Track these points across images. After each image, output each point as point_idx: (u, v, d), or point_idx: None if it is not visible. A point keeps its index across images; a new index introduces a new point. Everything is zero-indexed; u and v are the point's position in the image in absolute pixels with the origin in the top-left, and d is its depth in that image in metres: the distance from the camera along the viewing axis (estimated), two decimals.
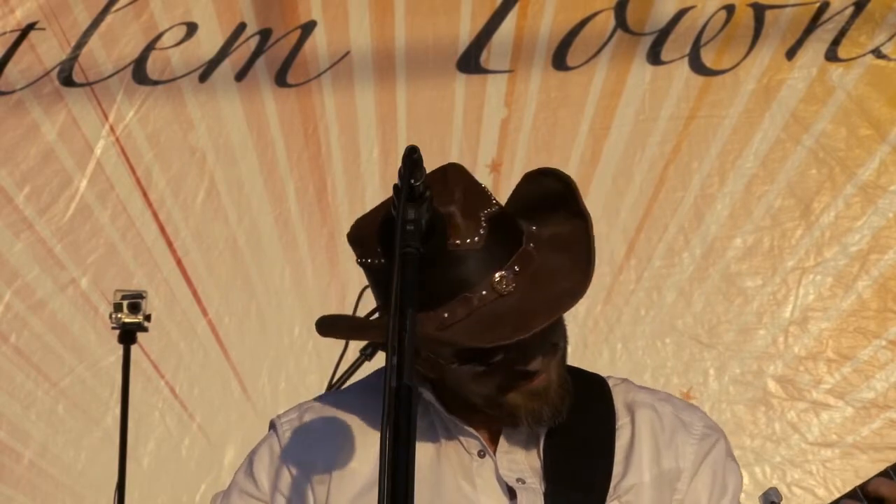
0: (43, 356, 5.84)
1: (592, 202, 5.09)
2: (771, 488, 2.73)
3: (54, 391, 5.84)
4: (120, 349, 5.10)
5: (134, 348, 5.11)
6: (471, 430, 2.77)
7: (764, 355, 5.70)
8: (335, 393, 3.31)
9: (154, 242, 5.83)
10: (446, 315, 2.61)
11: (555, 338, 2.72)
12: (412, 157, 2.41)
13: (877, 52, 5.75)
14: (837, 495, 2.70)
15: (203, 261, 5.90)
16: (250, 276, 5.92)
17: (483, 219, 2.61)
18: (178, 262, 5.86)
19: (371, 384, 2.92)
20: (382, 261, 2.64)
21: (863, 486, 2.62)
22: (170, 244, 5.86)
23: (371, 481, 2.80)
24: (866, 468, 4.41)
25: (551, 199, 2.72)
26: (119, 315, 5.11)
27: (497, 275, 2.58)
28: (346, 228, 4.76)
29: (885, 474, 2.61)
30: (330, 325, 2.77)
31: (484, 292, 2.56)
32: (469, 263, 2.59)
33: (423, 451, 2.71)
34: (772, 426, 5.54)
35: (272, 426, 2.91)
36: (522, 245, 2.61)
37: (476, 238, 2.55)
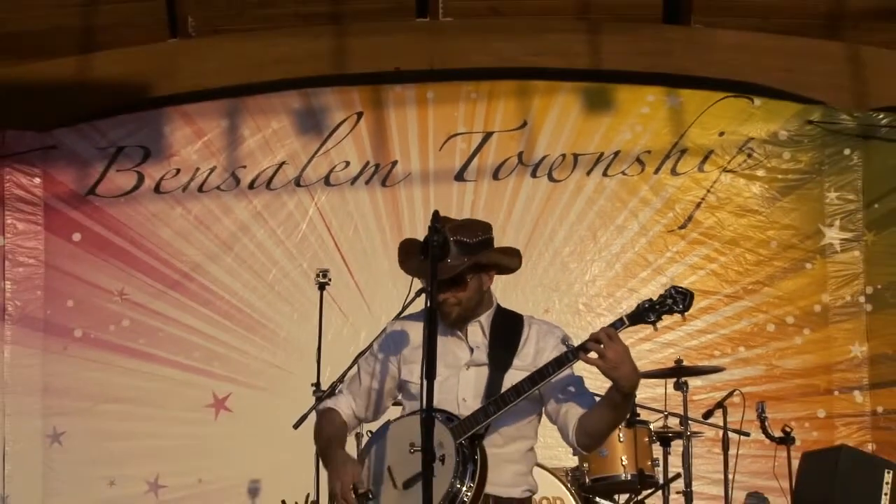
0: (288, 296, 8.23)
1: (509, 235, 7.80)
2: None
3: (294, 310, 8.18)
4: (318, 293, 7.13)
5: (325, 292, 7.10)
6: (459, 328, 4.11)
7: (578, 295, 8.25)
8: (409, 314, 4.23)
9: (332, 249, 8.27)
10: (417, 263, 3.92)
11: (458, 294, 3.98)
12: (436, 214, 3.83)
13: (623, 173, 8.28)
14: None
15: (353, 257, 8.25)
16: (372, 263, 8.13)
17: (454, 239, 3.91)
18: (343, 257, 8.24)
19: (423, 311, 3.99)
20: (405, 264, 4.00)
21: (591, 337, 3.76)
22: (339, 249, 8.27)
23: (417, 344, 4.11)
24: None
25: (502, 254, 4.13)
26: (318, 277, 7.13)
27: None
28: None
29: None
30: (402, 247, 4.06)
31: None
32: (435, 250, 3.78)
33: (440, 336, 3.86)
34: (583, 325, 8.01)
35: (387, 325, 4.29)
36: (464, 257, 3.89)
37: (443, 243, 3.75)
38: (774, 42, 8.26)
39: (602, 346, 3.82)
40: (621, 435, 6.57)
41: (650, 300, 3.97)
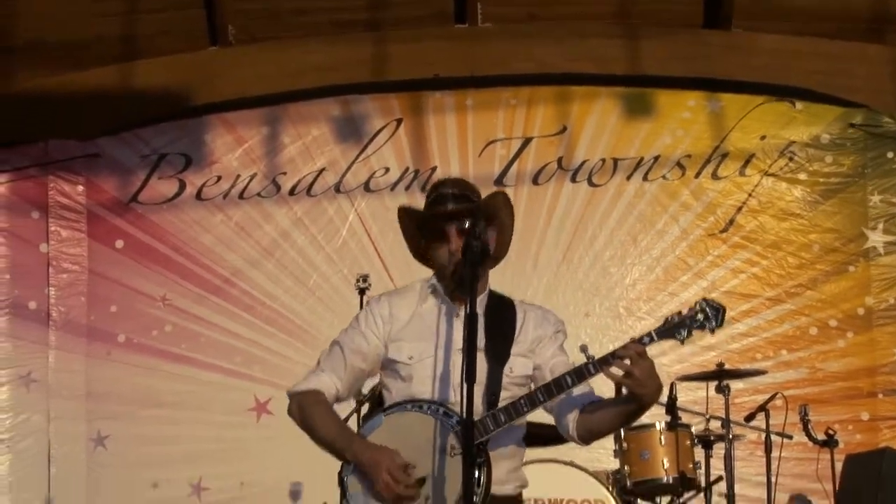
0: (328, 301, 8.27)
1: (549, 240, 7.97)
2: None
3: (334, 315, 8.03)
4: (358, 298, 7.00)
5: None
6: (455, 304, 3.96)
7: (619, 298, 8.23)
8: (394, 290, 4.29)
9: (372, 254, 8.26)
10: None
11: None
12: (472, 225, 3.85)
13: (664, 177, 8.23)
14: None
15: (393, 262, 8.10)
16: (412, 269, 5.92)
17: (456, 191, 3.96)
18: (383, 263, 8.20)
19: (411, 286, 4.14)
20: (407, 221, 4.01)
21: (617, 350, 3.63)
22: (378, 254, 8.26)
23: (404, 321, 4.04)
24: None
25: (502, 208, 4.06)
26: (358, 283, 7.11)
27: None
28: None
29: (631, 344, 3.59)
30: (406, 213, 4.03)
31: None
32: (441, 201, 3.94)
33: (434, 313, 3.92)
34: (624, 328, 8.06)
35: (370, 301, 4.19)
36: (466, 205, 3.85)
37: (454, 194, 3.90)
38: (815, 45, 8.21)
39: (629, 362, 3.69)
40: (662, 438, 6.58)
41: (679, 314, 3.82)
